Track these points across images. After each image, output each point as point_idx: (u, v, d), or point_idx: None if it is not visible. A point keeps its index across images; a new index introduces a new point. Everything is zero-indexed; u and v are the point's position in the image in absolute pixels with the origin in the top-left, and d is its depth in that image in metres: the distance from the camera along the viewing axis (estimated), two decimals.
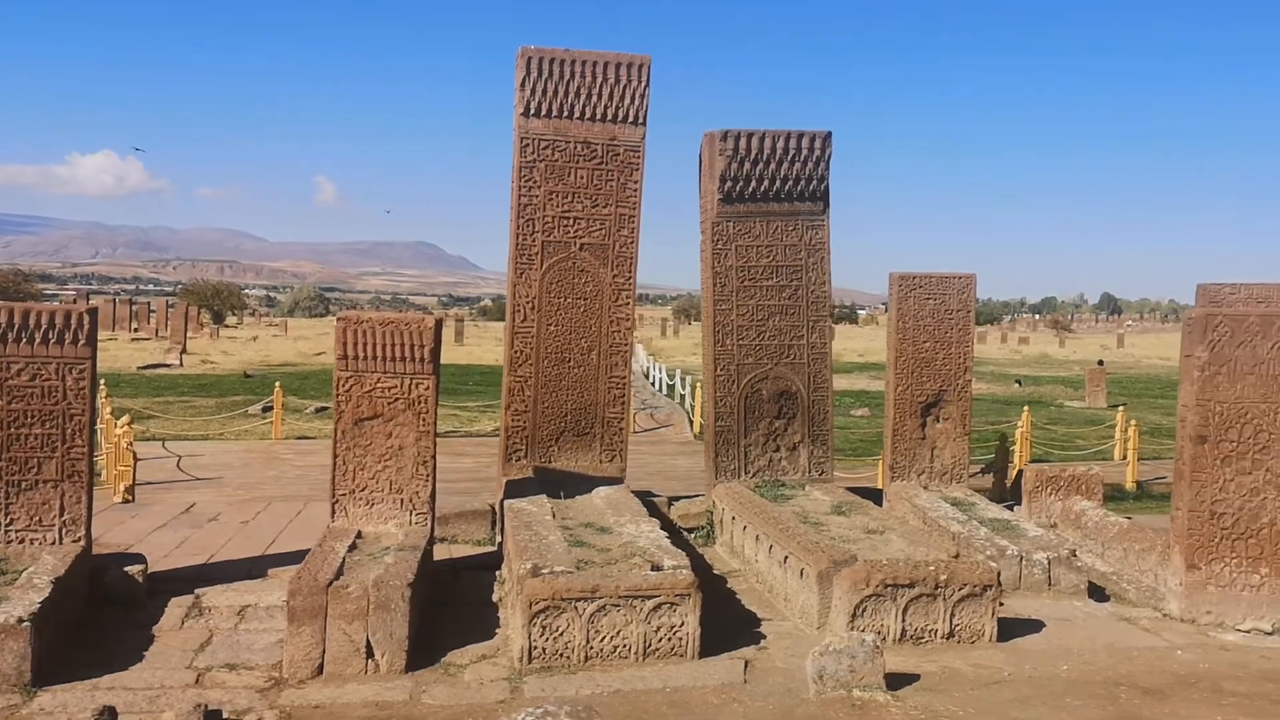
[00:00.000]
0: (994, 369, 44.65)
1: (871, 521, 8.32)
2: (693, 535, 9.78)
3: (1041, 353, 59.78)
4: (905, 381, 10.47)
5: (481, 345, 52.39)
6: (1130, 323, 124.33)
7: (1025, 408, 20.15)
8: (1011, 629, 7.28)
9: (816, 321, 9.94)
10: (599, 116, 9.45)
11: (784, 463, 9.94)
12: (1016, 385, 35.05)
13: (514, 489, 9.00)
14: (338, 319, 7.96)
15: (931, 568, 7.01)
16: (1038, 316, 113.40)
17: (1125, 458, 16.91)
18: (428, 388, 7.89)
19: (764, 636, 7.19)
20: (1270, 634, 7.51)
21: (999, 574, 7.10)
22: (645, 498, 9.94)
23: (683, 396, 26.94)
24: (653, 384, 32.12)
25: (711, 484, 9.88)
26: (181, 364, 35.96)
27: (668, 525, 9.72)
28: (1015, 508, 11.02)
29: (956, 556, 7.33)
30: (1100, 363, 35.94)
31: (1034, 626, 7.42)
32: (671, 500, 10.33)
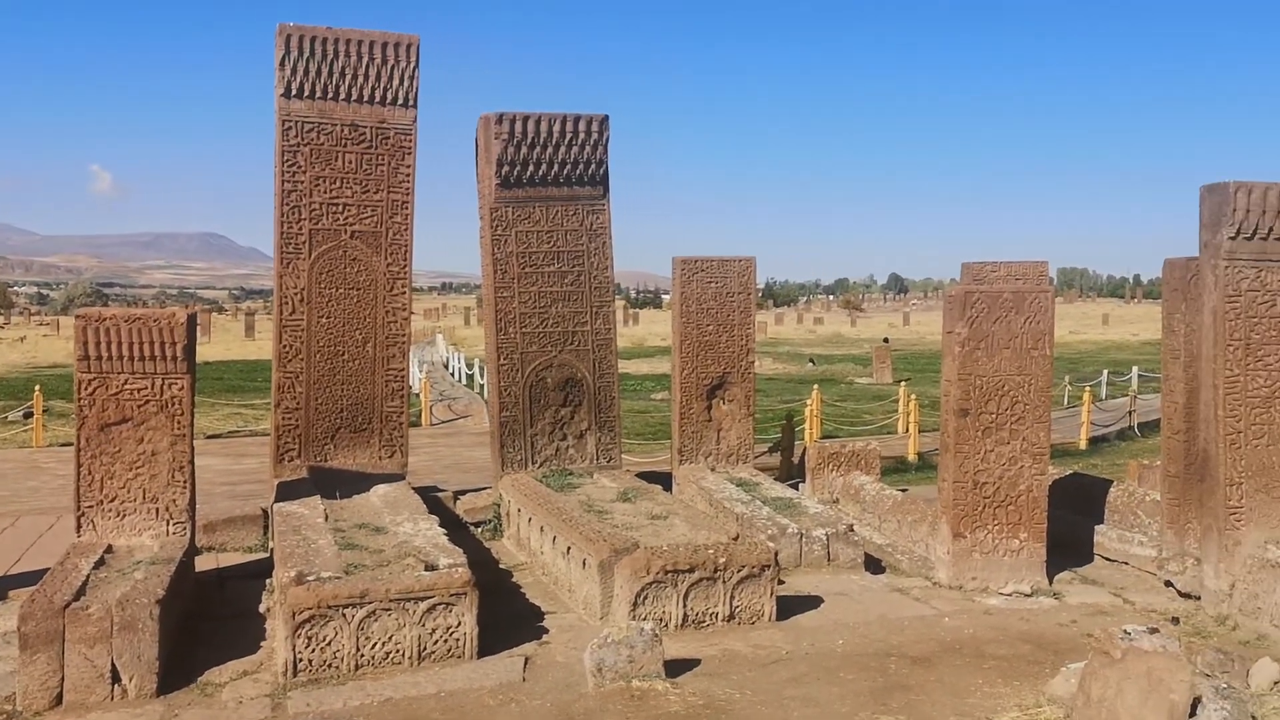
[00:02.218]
0: (789, 349, 46.08)
1: (656, 507, 8.28)
2: (480, 529, 9.54)
3: (835, 332, 62.13)
4: (690, 365, 10.51)
5: None
6: (915, 301, 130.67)
7: (815, 386, 20.75)
8: (792, 607, 7.37)
9: (600, 307, 9.85)
10: (367, 98, 9.04)
11: (572, 451, 9.81)
12: (810, 364, 36.21)
13: (286, 491, 8.53)
14: (76, 317, 7.30)
15: (711, 551, 7.02)
16: (832, 298, 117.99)
17: (908, 431, 17.63)
18: (182, 388, 7.34)
19: (547, 631, 7.04)
20: (1030, 595, 7.87)
21: (776, 554, 7.17)
22: (429, 493, 9.64)
23: (482, 386, 26.56)
24: (452, 374, 31.57)
25: (498, 476, 9.66)
26: None
27: (453, 521, 9.48)
28: (801, 485, 11.27)
29: (736, 539, 7.36)
30: (885, 340, 37.54)
31: (813, 603, 7.55)
32: (457, 494, 10.05)
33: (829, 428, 21.13)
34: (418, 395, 21.66)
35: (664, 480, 10.89)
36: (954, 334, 8.05)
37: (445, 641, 6.36)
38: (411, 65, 9.14)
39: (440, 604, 6.34)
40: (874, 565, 8.76)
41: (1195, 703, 4.76)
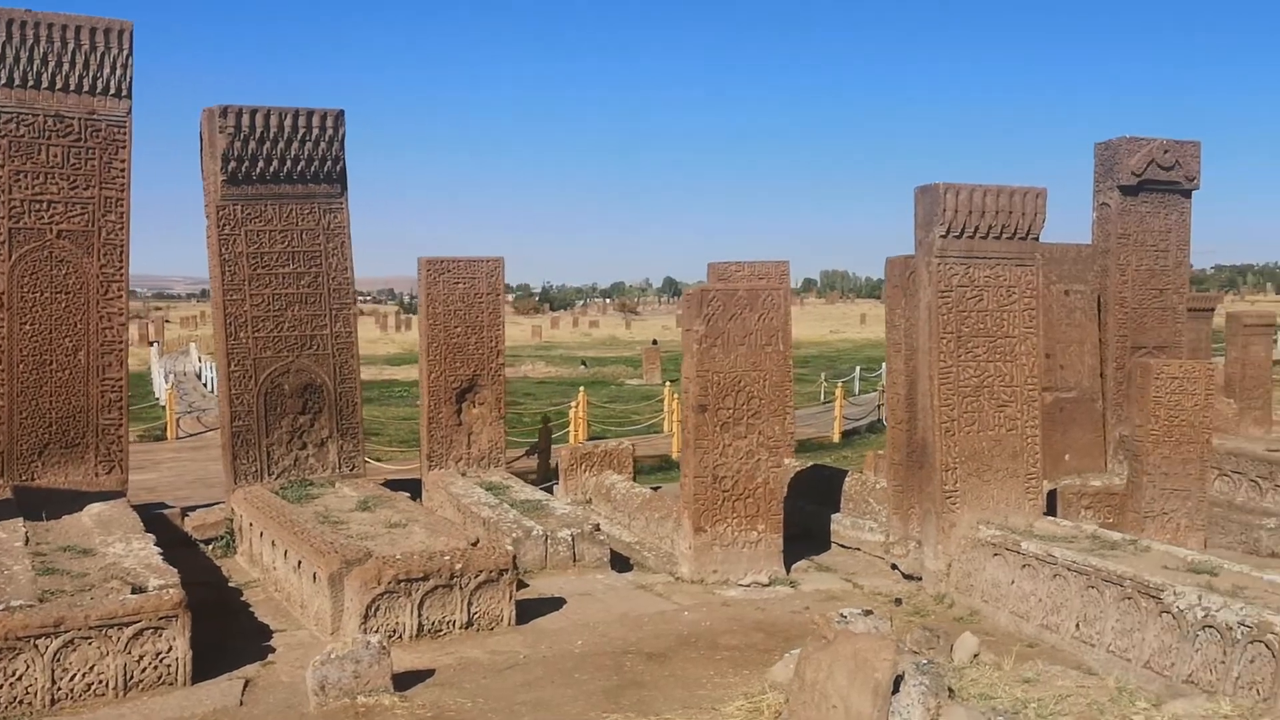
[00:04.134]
0: (563, 352, 46.22)
1: (396, 515, 8.02)
2: (211, 547, 8.99)
3: (610, 335, 62.79)
4: (439, 368, 10.28)
5: None
6: None
7: (581, 389, 20.83)
8: (534, 609, 7.29)
9: (340, 310, 9.47)
10: (74, 87, 8.37)
11: (312, 460, 9.39)
12: (582, 367, 36.41)
13: None
14: None
15: (447, 558, 6.84)
16: (608, 301, 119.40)
17: (673, 430, 17.93)
18: None
19: (274, 650, 6.69)
20: (768, 585, 8.08)
21: (514, 557, 7.06)
22: (153, 511, 9.04)
23: None
24: (205, 385, 29.92)
25: (230, 489, 9.13)
26: None
27: (181, 539, 8.92)
28: (556, 487, 11.22)
29: (476, 544, 7.20)
30: (655, 342, 38.15)
31: (556, 605, 7.49)
32: (186, 510, 9.45)
33: (597, 429, 21.25)
34: (164, 407, 20.43)
35: (415, 487, 10.62)
36: (692, 331, 8.17)
37: (155, 669, 5.92)
38: (125, 53, 8.53)
39: (148, 628, 5.91)
40: (622, 563, 8.80)
41: (899, 680, 4.95)
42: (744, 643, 6.78)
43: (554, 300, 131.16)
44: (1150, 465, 8.14)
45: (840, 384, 22.55)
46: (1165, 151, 11.34)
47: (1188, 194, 11.65)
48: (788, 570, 8.39)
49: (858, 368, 29.15)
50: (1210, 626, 5.62)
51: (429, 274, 10.21)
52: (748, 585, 8.03)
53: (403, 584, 6.67)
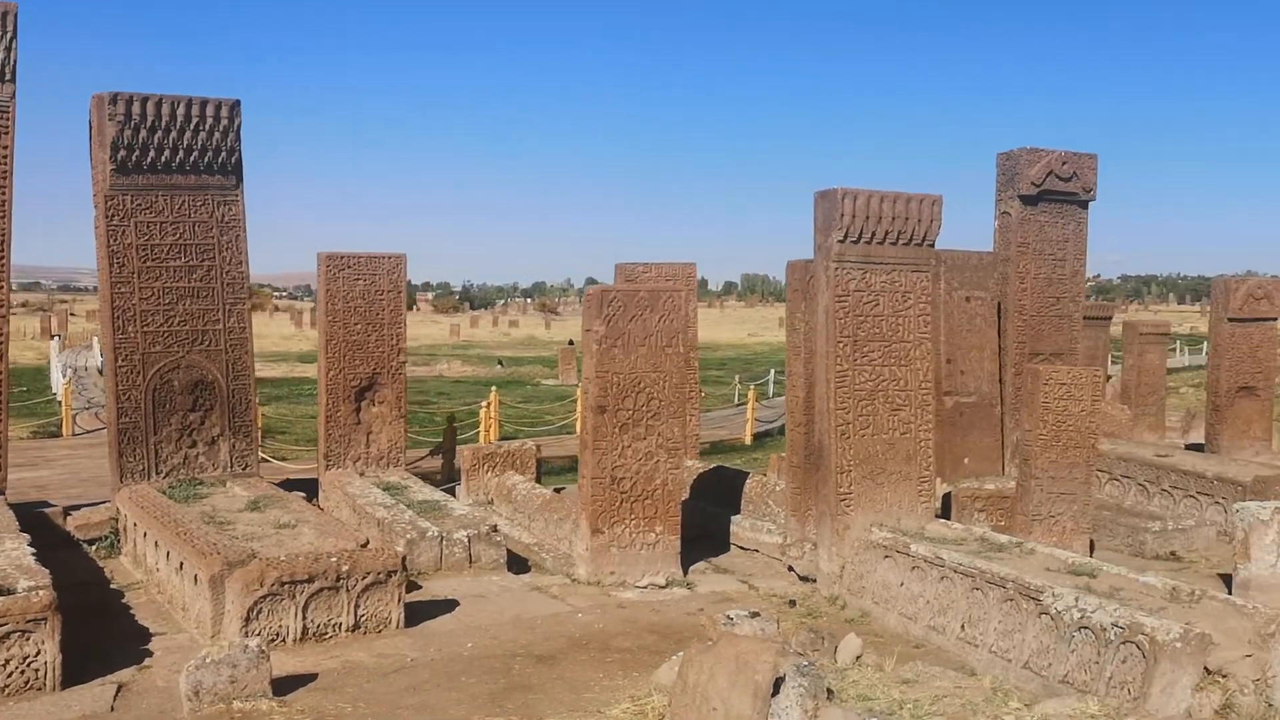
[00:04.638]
0: (481, 351, 45.91)
1: (286, 515, 7.84)
2: (95, 547, 8.70)
3: (529, 335, 62.52)
4: (337, 365, 10.09)
5: None
6: None
7: (494, 388, 20.66)
8: (425, 612, 7.18)
9: (234, 304, 9.24)
10: None
11: (202, 459, 9.14)
12: (499, 366, 36.19)
13: None
14: None
15: (334, 559, 6.70)
16: (529, 300, 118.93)
17: None
18: None
19: (152, 654, 6.49)
20: (664, 587, 8.07)
21: (404, 559, 6.95)
22: (33, 510, 8.73)
23: None
24: None
25: (116, 488, 8.85)
26: None
27: (63, 539, 8.63)
28: (459, 488, 11.09)
29: (365, 545, 7.07)
30: (571, 342, 38.04)
31: (448, 607, 7.38)
32: (69, 510, 9.13)
33: (510, 429, 21.10)
34: (60, 403, 19.79)
35: (314, 487, 10.42)
36: (592, 332, 8.13)
37: (22, 673, 5.71)
38: (8, 35, 8.25)
39: (15, 631, 5.69)
40: (520, 565, 8.72)
41: (780, 682, 4.96)
42: (636, 645, 6.76)
43: (474, 299, 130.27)
44: (1038, 469, 8.30)
45: (753, 386, 22.72)
46: (1064, 163, 11.61)
47: (1085, 205, 11.94)
48: (686, 572, 8.39)
49: (772, 370, 29.38)
50: (1086, 628, 5.73)
51: (329, 270, 10.02)
52: (644, 587, 8.01)
53: (286, 586, 6.52)
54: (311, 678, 6.05)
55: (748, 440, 20.69)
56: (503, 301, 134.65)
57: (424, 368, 38.15)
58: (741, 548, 9.31)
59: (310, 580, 6.59)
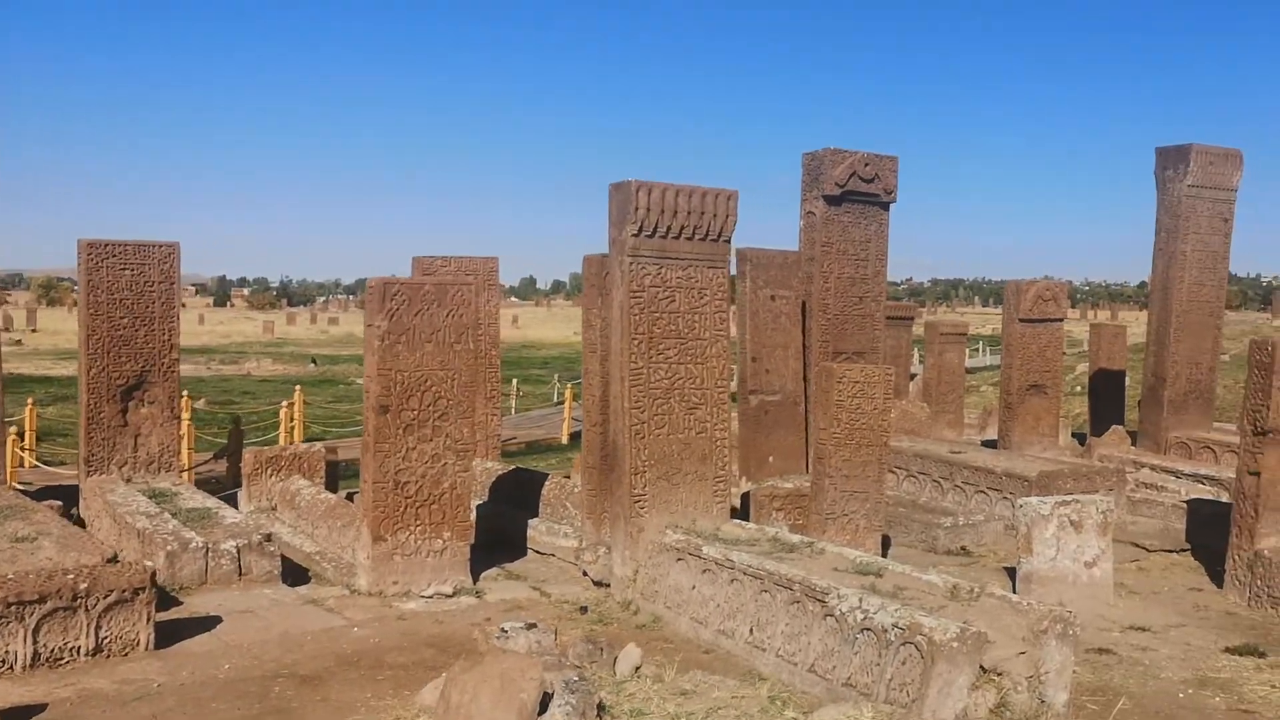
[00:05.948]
0: (295, 349, 44.25)
1: (27, 528, 7.10)
2: None
3: (349, 332, 60.60)
4: (100, 362, 9.26)
5: None
6: None
7: (298, 387, 19.76)
8: (181, 631, 6.57)
9: None
10: None
11: None
12: (312, 365, 34.88)
13: None
14: None
15: (70, 577, 6.04)
16: (352, 298, 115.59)
17: None
18: None
19: None
20: (452, 595, 7.67)
21: (153, 574, 6.32)
22: None
23: None
24: None
25: None
26: None
27: None
28: (240, 493, 10.39)
29: (113, 559, 6.44)
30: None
31: (209, 624, 6.79)
32: None
33: (317, 430, 20.24)
34: None
35: (74, 494, 9.57)
36: (374, 327, 7.66)
37: None
38: None
39: None
40: (300, 576, 8.16)
41: (549, 699, 4.66)
42: (412, 660, 6.33)
43: (293, 295, 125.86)
44: (832, 468, 8.28)
45: (571, 385, 22.46)
46: (866, 164, 11.74)
47: (886, 206, 12.12)
48: (477, 579, 8.01)
49: None
50: (869, 629, 5.64)
51: (90, 258, 9.18)
52: (430, 596, 7.58)
53: (14, 607, 5.83)
54: (40, 709, 5.42)
55: (564, 439, 20.45)
56: (324, 298, 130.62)
57: (231, 366, 36.46)
58: (538, 552, 8.98)
59: (42, 600, 5.91)
